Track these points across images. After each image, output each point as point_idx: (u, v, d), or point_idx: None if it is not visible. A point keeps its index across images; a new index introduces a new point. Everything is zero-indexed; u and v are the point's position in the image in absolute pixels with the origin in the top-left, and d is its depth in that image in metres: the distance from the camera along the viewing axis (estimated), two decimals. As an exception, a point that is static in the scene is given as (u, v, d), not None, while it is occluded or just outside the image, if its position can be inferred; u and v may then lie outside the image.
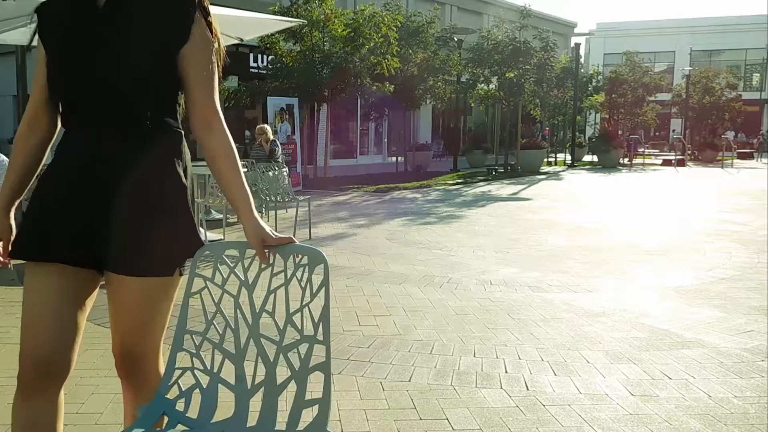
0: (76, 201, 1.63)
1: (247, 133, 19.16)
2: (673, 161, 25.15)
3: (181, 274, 1.78)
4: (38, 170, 1.80)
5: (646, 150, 29.86)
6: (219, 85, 1.75)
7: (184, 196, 1.72)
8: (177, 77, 1.67)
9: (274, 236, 1.69)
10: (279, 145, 10.22)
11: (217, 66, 1.72)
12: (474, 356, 3.71)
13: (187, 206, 1.73)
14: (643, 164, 25.40)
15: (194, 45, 1.66)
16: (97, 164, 1.62)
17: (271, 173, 7.88)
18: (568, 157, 25.60)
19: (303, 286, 1.74)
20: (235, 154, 1.74)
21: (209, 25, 1.70)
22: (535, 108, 22.85)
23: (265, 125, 10.57)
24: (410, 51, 16.94)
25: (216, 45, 1.72)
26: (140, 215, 1.64)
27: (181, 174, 1.72)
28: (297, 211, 8.23)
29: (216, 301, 1.76)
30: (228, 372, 1.77)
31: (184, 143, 1.76)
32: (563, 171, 21.81)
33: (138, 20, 1.61)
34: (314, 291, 1.74)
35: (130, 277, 1.66)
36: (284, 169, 8.01)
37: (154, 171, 1.66)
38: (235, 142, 1.76)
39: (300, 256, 1.73)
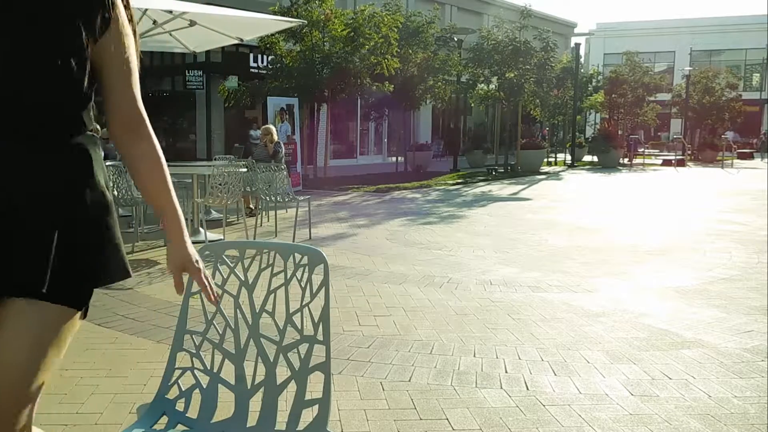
0: None
1: (253, 133, 19.19)
2: (673, 161, 25.15)
3: (83, 315, 1.41)
4: None
5: (646, 150, 29.87)
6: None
7: (97, 213, 1.41)
8: (81, 78, 1.35)
9: (196, 266, 1.52)
10: (283, 146, 10.23)
11: (136, 59, 1.46)
12: (474, 356, 3.71)
13: (95, 226, 1.40)
14: (643, 164, 25.39)
15: (106, 37, 1.37)
16: None
17: (270, 174, 7.88)
18: (568, 157, 25.60)
19: (303, 286, 1.74)
20: (164, 163, 1.51)
21: (126, 7, 1.43)
22: (535, 108, 22.85)
23: (270, 126, 10.57)
24: (410, 51, 16.94)
25: (131, 33, 1.44)
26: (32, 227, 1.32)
27: (89, 189, 1.40)
28: (297, 211, 8.23)
29: (216, 301, 1.76)
30: (228, 372, 1.77)
31: (95, 156, 1.43)
32: (563, 171, 21.81)
33: (23, 11, 1.28)
34: (314, 291, 1.74)
35: (11, 300, 1.30)
36: (283, 171, 8.00)
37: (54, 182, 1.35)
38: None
39: (300, 256, 1.73)
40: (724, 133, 30.63)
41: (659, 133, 41.01)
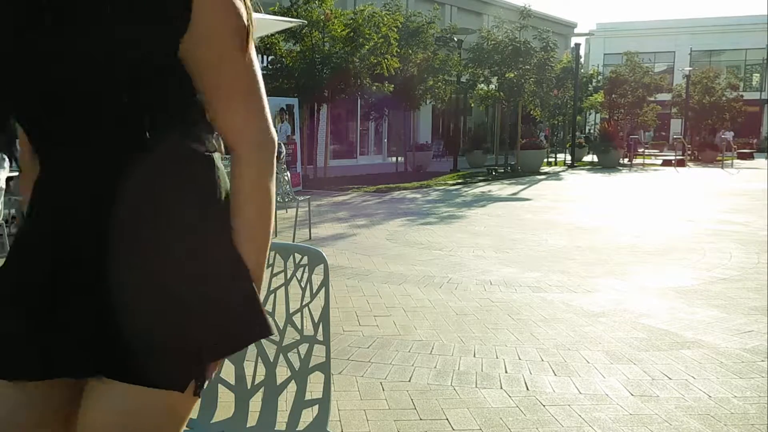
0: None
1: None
2: (673, 161, 25.15)
3: (197, 393, 1.03)
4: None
5: (646, 150, 29.87)
6: None
7: (223, 248, 1.06)
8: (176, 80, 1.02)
9: None
10: (283, 147, 10.24)
11: (249, 52, 1.03)
12: (474, 356, 3.71)
13: (229, 267, 1.06)
14: (643, 164, 25.39)
15: (197, 34, 0.97)
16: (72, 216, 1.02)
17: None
18: (568, 158, 25.61)
19: (303, 286, 1.74)
20: (266, 206, 1.09)
21: None
22: (535, 108, 22.86)
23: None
24: (410, 51, 16.95)
25: (241, 18, 1.00)
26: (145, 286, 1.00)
27: (215, 212, 1.08)
28: (297, 211, 8.22)
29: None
30: (228, 372, 1.77)
31: (216, 172, 1.10)
32: (563, 171, 21.81)
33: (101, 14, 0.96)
34: (314, 291, 1.74)
35: (109, 384, 0.99)
36: (286, 173, 7.99)
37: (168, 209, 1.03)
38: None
39: (300, 256, 1.73)
40: (723, 133, 30.62)
41: (664, 132, 41.00)
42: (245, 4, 1.00)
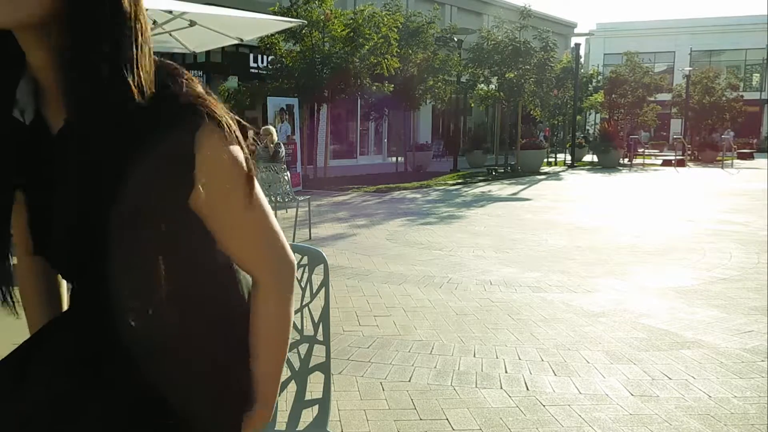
0: None
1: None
2: (673, 161, 25.15)
3: None
4: None
5: (646, 150, 29.86)
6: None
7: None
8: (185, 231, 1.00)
9: None
10: (283, 147, 10.24)
11: (255, 194, 1.01)
12: (474, 356, 3.71)
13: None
14: (643, 164, 25.39)
15: (204, 187, 0.95)
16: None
17: (270, 174, 7.88)
18: (568, 158, 25.60)
19: (303, 286, 1.74)
20: (283, 334, 1.10)
21: (233, 131, 0.97)
22: (535, 108, 22.87)
23: (270, 127, 10.58)
24: (410, 51, 16.95)
25: (243, 167, 0.98)
26: None
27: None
28: (297, 211, 8.23)
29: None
30: (228, 372, 1.76)
31: (239, 286, 1.12)
32: (563, 171, 21.81)
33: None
34: (314, 291, 1.74)
35: None
36: (286, 173, 7.99)
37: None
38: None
39: (300, 256, 1.73)
40: (723, 133, 30.62)
41: (664, 133, 40.99)
42: (242, 149, 0.99)
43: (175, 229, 0.98)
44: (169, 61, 0.97)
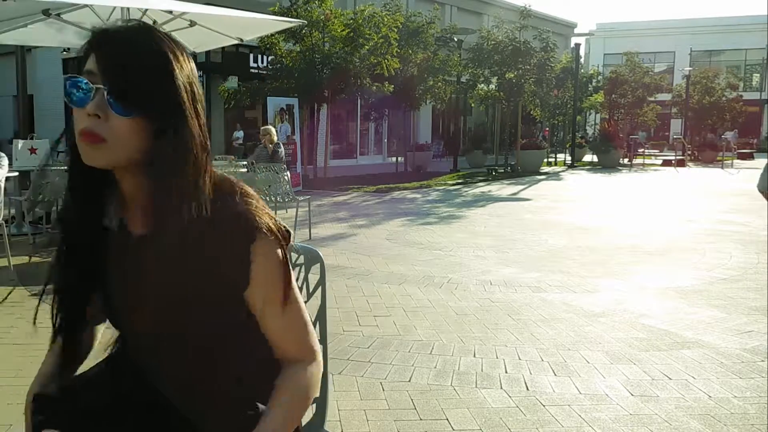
0: None
1: (236, 134, 19.18)
2: (673, 161, 25.14)
3: None
4: None
5: (646, 150, 29.85)
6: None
7: None
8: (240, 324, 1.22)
9: None
10: (282, 147, 10.23)
11: (293, 289, 1.22)
12: (474, 356, 3.70)
13: None
14: (643, 164, 25.39)
15: (255, 284, 1.16)
16: None
17: (270, 174, 7.87)
18: (568, 158, 25.60)
19: (299, 285, 1.73)
20: (300, 409, 1.25)
21: (280, 239, 1.17)
22: (535, 108, 22.85)
23: (270, 126, 10.57)
24: (410, 51, 16.94)
25: (288, 267, 1.20)
26: None
27: None
28: (297, 211, 8.22)
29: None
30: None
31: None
32: (563, 171, 21.80)
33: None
34: (311, 290, 1.74)
35: None
36: (286, 173, 7.98)
37: None
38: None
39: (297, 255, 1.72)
40: (724, 133, 30.61)
41: (665, 133, 40.99)
42: (283, 251, 1.18)
43: (234, 321, 1.19)
44: (228, 176, 1.20)
